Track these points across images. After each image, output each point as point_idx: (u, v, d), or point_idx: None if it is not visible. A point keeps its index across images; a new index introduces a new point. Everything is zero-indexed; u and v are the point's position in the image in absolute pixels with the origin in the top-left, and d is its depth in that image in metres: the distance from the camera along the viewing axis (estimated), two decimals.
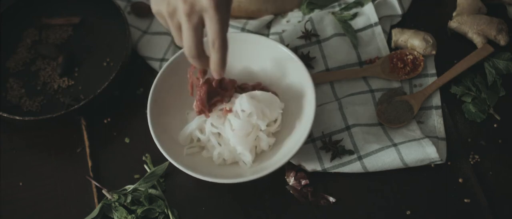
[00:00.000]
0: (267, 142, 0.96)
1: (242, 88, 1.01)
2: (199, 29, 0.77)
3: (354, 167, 0.97)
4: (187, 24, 0.76)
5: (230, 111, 0.95)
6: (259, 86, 1.01)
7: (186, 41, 0.78)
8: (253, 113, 0.94)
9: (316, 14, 1.11)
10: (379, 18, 1.10)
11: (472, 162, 0.99)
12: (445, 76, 1.05)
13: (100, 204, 0.97)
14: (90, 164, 1.03)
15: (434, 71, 1.06)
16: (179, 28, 0.79)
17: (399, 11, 1.11)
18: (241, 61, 1.04)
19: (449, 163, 0.98)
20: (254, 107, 0.93)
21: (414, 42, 1.06)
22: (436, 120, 1.02)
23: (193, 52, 0.79)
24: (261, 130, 0.95)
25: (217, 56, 0.79)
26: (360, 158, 0.97)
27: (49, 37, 1.16)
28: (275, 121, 0.98)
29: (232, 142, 0.95)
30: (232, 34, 1.03)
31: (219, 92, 0.95)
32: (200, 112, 0.94)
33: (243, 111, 0.94)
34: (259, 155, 0.97)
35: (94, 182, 1.01)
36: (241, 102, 0.94)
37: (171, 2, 0.77)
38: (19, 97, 1.10)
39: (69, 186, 1.02)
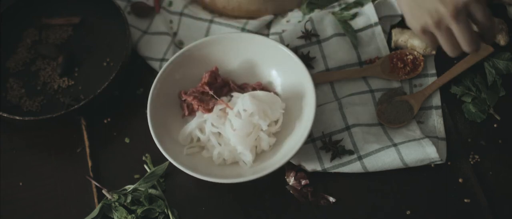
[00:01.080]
0: (268, 142, 0.96)
1: (242, 88, 1.01)
2: (469, 22, 0.82)
3: (354, 167, 0.97)
4: (456, 24, 0.81)
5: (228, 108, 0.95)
6: (260, 86, 1.01)
7: (465, 39, 0.82)
8: (255, 113, 0.94)
9: (316, 14, 1.11)
10: (379, 18, 1.10)
11: (472, 162, 0.99)
12: (445, 76, 1.05)
13: (100, 204, 0.97)
14: (90, 164, 1.03)
15: (434, 71, 1.06)
16: (449, 35, 0.83)
17: (399, 11, 1.11)
18: (241, 61, 1.04)
19: (449, 163, 0.98)
20: (256, 107, 0.93)
21: (414, 42, 1.06)
22: (436, 120, 1.02)
23: (475, 45, 0.84)
24: (262, 130, 0.95)
25: (490, 34, 0.85)
26: (360, 158, 0.97)
27: (49, 37, 1.16)
28: (276, 121, 0.98)
29: (232, 141, 0.95)
30: (232, 34, 1.03)
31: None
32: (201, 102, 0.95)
33: (244, 110, 0.94)
34: (259, 155, 0.97)
35: (94, 182, 1.01)
36: (243, 102, 0.94)
37: (433, 13, 0.82)
38: (19, 97, 1.10)
39: (69, 186, 1.02)
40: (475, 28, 0.84)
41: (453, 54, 0.86)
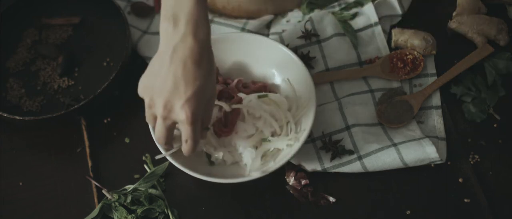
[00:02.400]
0: (273, 146, 0.95)
1: (245, 87, 1.01)
2: (171, 129, 0.84)
3: (354, 167, 0.97)
4: (161, 123, 0.83)
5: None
6: (263, 87, 1.01)
7: (157, 133, 0.85)
8: (261, 117, 0.93)
9: (316, 14, 1.11)
10: (379, 18, 1.10)
11: (472, 162, 0.99)
12: (445, 76, 1.05)
13: (100, 204, 0.97)
14: (90, 164, 1.03)
15: (434, 71, 1.06)
16: (154, 118, 0.85)
17: (399, 11, 1.11)
18: (241, 61, 1.04)
19: (449, 163, 0.98)
20: (263, 111, 0.93)
21: (414, 42, 1.06)
22: (436, 120, 1.02)
23: (161, 142, 0.86)
24: (271, 135, 0.95)
25: (188, 149, 0.85)
26: (360, 157, 0.97)
27: (49, 37, 1.16)
28: (281, 127, 0.96)
29: (233, 141, 0.95)
30: (232, 34, 1.03)
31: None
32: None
33: (249, 113, 0.93)
34: (258, 155, 0.97)
35: (94, 182, 1.01)
36: (250, 104, 0.93)
37: (153, 99, 0.82)
38: (19, 97, 1.10)
39: (69, 186, 1.02)
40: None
41: (148, 121, 0.87)
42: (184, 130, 0.82)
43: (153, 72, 0.82)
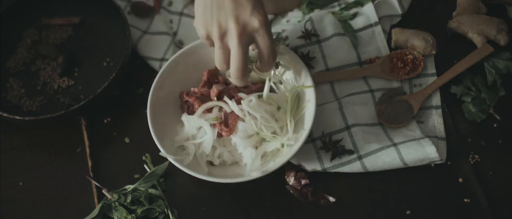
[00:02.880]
0: (273, 146, 0.95)
1: (245, 87, 1.01)
2: (247, 49, 0.85)
3: (354, 167, 0.97)
4: (238, 45, 0.83)
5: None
6: (263, 87, 1.01)
7: (236, 60, 0.85)
8: (260, 118, 0.93)
9: (316, 14, 1.11)
10: (379, 18, 1.10)
11: (472, 162, 0.99)
12: (445, 76, 1.05)
13: (100, 204, 0.97)
14: (90, 164, 1.03)
15: (434, 71, 1.06)
16: (226, 50, 0.85)
17: (399, 11, 1.11)
18: None
19: (449, 163, 0.98)
20: (263, 111, 0.93)
21: (414, 42, 1.06)
22: (436, 120, 1.02)
23: (241, 72, 0.86)
24: (269, 133, 0.95)
25: (268, 63, 0.88)
26: (360, 157, 0.97)
27: (49, 37, 1.16)
28: (282, 128, 0.96)
29: (233, 141, 0.95)
30: None
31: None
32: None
33: (249, 113, 0.93)
34: (258, 155, 0.97)
35: (94, 182, 1.01)
36: (250, 105, 0.93)
37: (222, 25, 0.83)
38: (19, 97, 1.10)
39: (69, 186, 1.02)
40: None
41: (220, 67, 0.88)
42: (261, 38, 0.84)
43: (206, 6, 0.84)
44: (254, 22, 0.83)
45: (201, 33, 0.87)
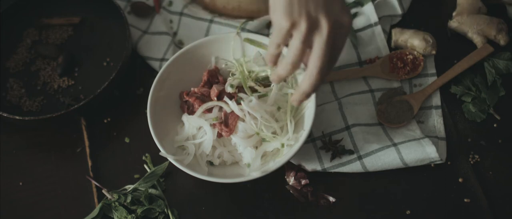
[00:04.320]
0: (273, 146, 0.95)
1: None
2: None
3: (354, 167, 0.97)
4: (326, 43, 0.75)
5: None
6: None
7: (319, 62, 0.76)
8: (260, 118, 0.93)
9: None
10: (379, 18, 1.10)
11: (472, 162, 0.99)
12: (445, 76, 1.05)
13: (100, 204, 0.97)
14: (90, 164, 1.03)
15: (434, 71, 1.06)
16: (305, 46, 0.77)
17: (399, 11, 1.11)
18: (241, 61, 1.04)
19: (449, 163, 0.98)
20: (263, 112, 0.93)
21: (414, 42, 1.06)
22: (436, 120, 1.02)
23: (320, 76, 0.78)
24: (269, 133, 0.95)
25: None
26: (360, 157, 0.97)
27: (49, 37, 1.16)
28: (282, 128, 0.96)
29: (233, 141, 0.95)
30: (232, 34, 1.03)
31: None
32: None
33: (249, 113, 0.93)
34: (258, 155, 0.97)
35: (94, 182, 1.01)
36: (250, 105, 0.93)
37: (312, 17, 0.75)
38: (19, 97, 1.10)
39: (69, 186, 1.02)
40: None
41: (279, 66, 0.80)
42: (343, 37, 0.79)
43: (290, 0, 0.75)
44: (345, 20, 0.76)
45: (282, 25, 0.76)
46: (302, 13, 0.74)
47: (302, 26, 0.75)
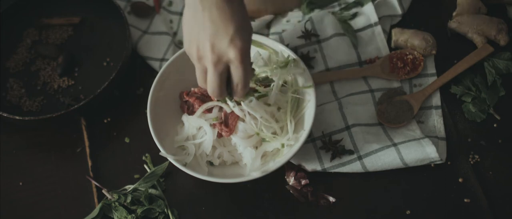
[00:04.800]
0: (273, 146, 0.95)
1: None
2: (223, 75, 0.83)
3: (354, 167, 0.97)
4: (213, 71, 0.82)
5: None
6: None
7: (211, 84, 0.83)
8: (260, 118, 0.93)
9: (316, 14, 1.11)
10: (379, 18, 1.10)
11: (472, 162, 0.99)
12: (445, 76, 1.05)
13: (100, 204, 0.97)
14: (90, 164, 1.03)
15: (434, 71, 1.06)
16: (204, 71, 0.84)
17: (399, 11, 1.11)
18: None
19: (449, 163, 0.98)
20: (263, 112, 0.93)
21: (414, 42, 1.06)
22: (436, 120, 1.02)
23: (216, 93, 0.85)
24: (268, 133, 0.94)
25: (240, 94, 0.86)
26: (360, 157, 0.97)
27: (49, 37, 1.16)
28: (282, 128, 0.96)
29: (233, 141, 0.95)
30: None
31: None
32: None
33: (249, 113, 0.93)
34: (258, 155, 0.97)
35: (94, 182, 1.01)
36: (250, 105, 0.93)
37: (200, 49, 0.81)
38: (19, 97, 1.10)
39: (69, 186, 1.02)
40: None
41: (200, 85, 0.87)
42: (235, 70, 0.82)
43: (190, 26, 0.82)
44: (231, 54, 0.80)
45: (185, 49, 0.86)
46: (193, 43, 0.82)
47: (193, 56, 0.83)
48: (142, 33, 1.15)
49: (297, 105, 0.97)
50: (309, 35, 1.09)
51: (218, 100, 0.95)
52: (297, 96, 0.97)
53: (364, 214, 0.96)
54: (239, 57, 0.80)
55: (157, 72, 1.01)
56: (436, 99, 1.03)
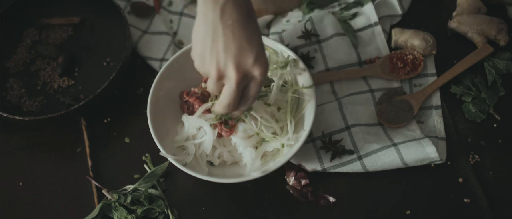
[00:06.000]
0: (273, 146, 0.95)
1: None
2: (241, 92, 0.83)
3: (354, 167, 0.97)
4: (235, 89, 0.81)
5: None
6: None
7: (229, 100, 0.82)
8: (260, 118, 0.93)
9: (316, 14, 1.11)
10: (379, 18, 1.10)
11: (472, 162, 0.99)
12: (445, 76, 1.05)
13: (100, 204, 0.97)
14: (90, 164, 1.03)
15: (434, 71, 1.06)
16: (221, 86, 0.83)
17: (399, 11, 1.11)
18: None
19: (449, 163, 0.98)
20: (263, 112, 0.93)
21: (414, 42, 1.06)
22: (436, 120, 1.02)
23: (230, 108, 0.84)
24: (268, 133, 0.94)
25: (248, 107, 0.86)
26: (360, 157, 0.97)
27: (49, 37, 1.16)
28: (282, 128, 0.96)
29: (233, 141, 0.95)
30: None
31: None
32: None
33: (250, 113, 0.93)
34: (258, 155, 0.97)
35: (94, 182, 1.01)
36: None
37: (221, 69, 0.79)
38: (19, 97, 1.10)
39: (69, 186, 1.02)
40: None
41: (221, 108, 0.85)
42: (255, 87, 0.82)
43: (205, 44, 0.80)
44: (256, 72, 0.79)
45: (197, 67, 0.83)
46: (213, 63, 0.79)
47: (212, 76, 0.81)
48: (142, 33, 1.15)
49: (297, 105, 0.97)
50: (309, 35, 1.09)
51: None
52: (297, 96, 0.97)
53: (364, 214, 0.96)
54: (263, 76, 0.80)
55: (157, 72, 1.01)
56: (436, 99, 1.03)
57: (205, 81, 1.01)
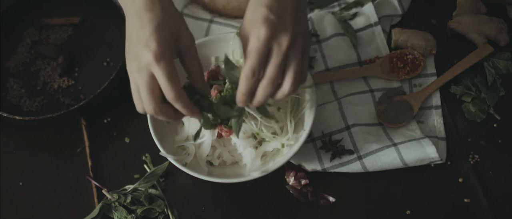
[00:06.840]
0: (273, 146, 0.95)
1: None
2: (152, 84, 0.78)
3: (354, 167, 0.97)
4: (139, 80, 0.78)
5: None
6: None
7: (140, 96, 0.79)
8: (260, 118, 0.93)
9: (316, 14, 1.11)
10: (379, 18, 1.10)
11: (472, 162, 0.99)
12: (445, 76, 1.05)
13: (100, 204, 0.97)
14: (90, 164, 1.03)
15: (434, 71, 1.06)
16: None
17: (399, 11, 1.11)
18: (241, 61, 1.04)
19: (449, 163, 0.98)
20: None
21: (414, 42, 1.06)
22: (436, 120, 1.02)
23: (148, 108, 0.79)
24: (267, 133, 0.94)
25: (170, 95, 0.79)
26: (360, 157, 0.97)
27: (49, 37, 1.16)
28: (282, 128, 0.96)
29: (233, 141, 0.95)
30: (232, 34, 1.03)
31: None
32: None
33: (249, 113, 0.93)
34: (258, 155, 0.97)
35: (94, 182, 1.01)
36: (251, 105, 0.93)
37: (138, 59, 0.77)
38: (19, 97, 1.10)
39: (69, 186, 1.02)
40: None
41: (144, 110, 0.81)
42: (156, 75, 0.76)
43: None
44: (147, 57, 0.76)
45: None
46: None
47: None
48: None
49: (297, 105, 0.97)
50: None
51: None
52: (297, 96, 0.97)
53: (364, 214, 0.96)
54: (153, 58, 0.75)
55: None
56: (436, 99, 1.04)
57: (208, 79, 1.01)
